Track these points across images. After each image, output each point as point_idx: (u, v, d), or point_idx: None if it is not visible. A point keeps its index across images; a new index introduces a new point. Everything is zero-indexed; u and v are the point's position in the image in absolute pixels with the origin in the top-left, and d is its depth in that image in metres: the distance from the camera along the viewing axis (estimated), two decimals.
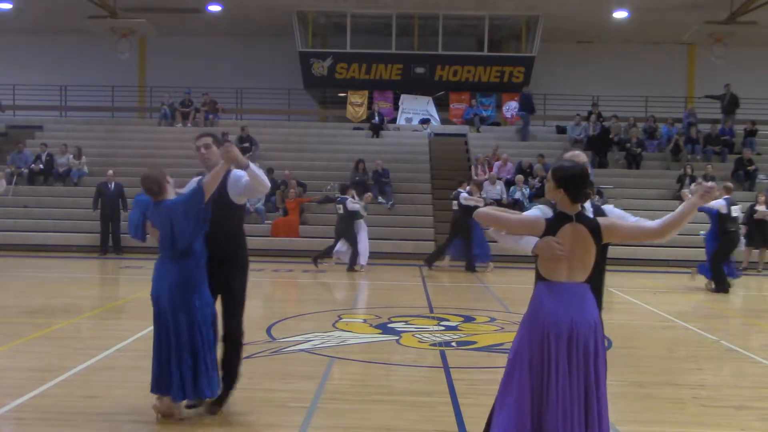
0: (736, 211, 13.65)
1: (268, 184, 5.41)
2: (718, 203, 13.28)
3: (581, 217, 4.03)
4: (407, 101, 25.84)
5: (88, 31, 24.56)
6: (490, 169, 20.90)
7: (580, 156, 4.51)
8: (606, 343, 8.51)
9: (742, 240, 17.94)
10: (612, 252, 16.33)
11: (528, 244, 4.01)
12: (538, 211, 4.07)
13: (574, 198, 4.00)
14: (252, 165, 5.30)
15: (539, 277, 4.10)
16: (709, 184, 4.16)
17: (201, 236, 5.30)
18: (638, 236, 4.27)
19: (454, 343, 8.32)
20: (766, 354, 8.17)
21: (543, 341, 3.95)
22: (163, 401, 5.31)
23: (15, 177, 20.88)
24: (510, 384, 3.99)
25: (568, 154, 4.49)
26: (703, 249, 18.77)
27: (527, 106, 24.18)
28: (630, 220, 4.48)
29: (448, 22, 25.70)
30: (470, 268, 16.13)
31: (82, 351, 7.45)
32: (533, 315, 4.05)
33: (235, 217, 5.55)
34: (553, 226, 3.97)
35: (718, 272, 13.65)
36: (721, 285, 13.61)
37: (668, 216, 4.15)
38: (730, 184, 14.46)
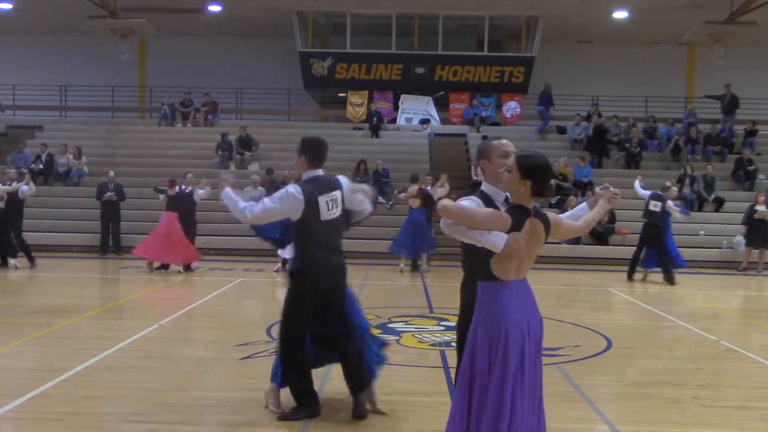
0: (655, 207, 14.96)
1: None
2: (644, 193, 15.23)
3: (537, 212, 3.86)
4: (407, 101, 25.84)
5: (88, 31, 24.56)
6: None
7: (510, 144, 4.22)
8: (606, 344, 8.52)
9: (742, 240, 17.98)
10: (612, 252, 16.36)
11: (497, 240, 3.69)
12: (473, 203, 3.89)
13: (540, 191, 3.79)
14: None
15: (488, 276, 3.81)
16: (613, 189, 4.37)
17: None
18: (568, 234, 4.21)
19: (454, 343, 8.30)
20: (766, 354, 8.17)
21: (509, 346, 3.72)
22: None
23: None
24: (501, 402, 3.70)
25: (496, 142, 4.22)
26: (700, 249, 18.86)
27: (546, 100, 24.28)
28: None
29: (448, 22, 25.70)
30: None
31: (82, 351, 7.44)
32: (491, 320, 3.76)
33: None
34: (516, 221, 3.73)
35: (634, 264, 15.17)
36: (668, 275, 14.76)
37: (589, 215, 4.29)
38: (668, 184, 15.90)
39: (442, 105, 25.99)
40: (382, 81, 26.01)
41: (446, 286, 13.89)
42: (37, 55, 27.55)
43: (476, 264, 3.88)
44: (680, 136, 22.93)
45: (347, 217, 5.83)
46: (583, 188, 20.22)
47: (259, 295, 13.22)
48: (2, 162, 21.90)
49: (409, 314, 10.25)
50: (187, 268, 14.90)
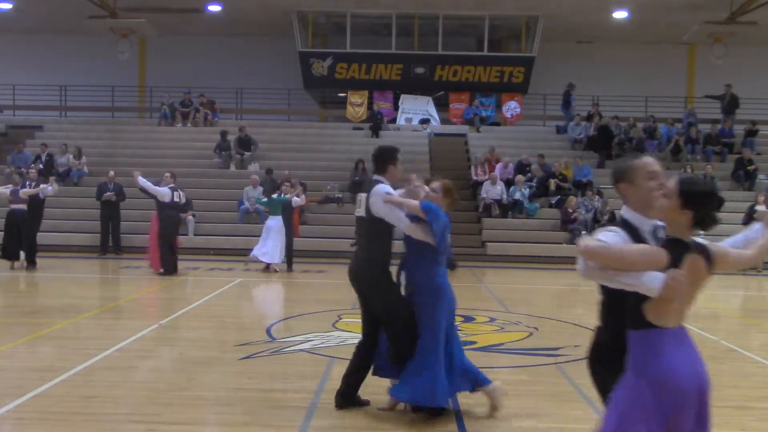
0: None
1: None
2: None
3: (697, 246, 3.24)
4: (407, 101, 25.84)
5: (88, 31, 24.57)
6: (491, 169, 20.90)
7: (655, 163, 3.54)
8: None
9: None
10: None
11: (652, 282, 3.06)
12: (617, 236, 3.21)
13: (702, 223, 3.23)
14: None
15: (642, 324, 3.15)
16: None
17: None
18: (736, 267, 3.57)
19: None
20: (766, 354, 8.17)
21: (673, 407, 3.19)
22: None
23: (14, 177, 20.87)
24: None
25: (639, 162, 3.50)
26: None
27: (565, 101, 24.35)
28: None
29: (448, 22, 25.71)
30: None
31: (82, 351, 7.44)
32: (654, 373, 3.14)
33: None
34: (674, 258, 3.11)
35: None
36: None
37: (757, 245, 3.57)
38: None
39: (442, 105, 25.99)
40: (382, 81, 26.02)
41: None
42: (37, 55, 27.55)
43: (616, 308, 3.27)
44: (680, 136, 22.93)
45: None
46: (582, 188, 20.22)
47: (259, 295, 13.23)
48: (2, 162, 21.92)
49: None
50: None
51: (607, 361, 3.37)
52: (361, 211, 5.67)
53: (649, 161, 3.49)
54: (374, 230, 5.58)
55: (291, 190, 15.70)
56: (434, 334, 5.40)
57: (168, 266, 14.15)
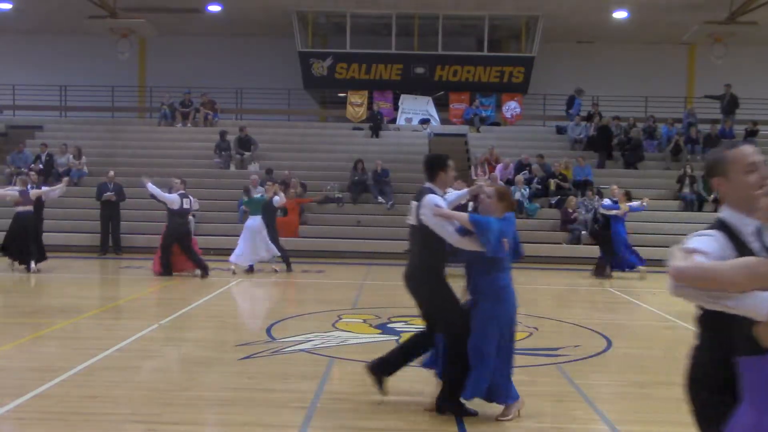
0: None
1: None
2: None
3: None
4: (407, 101, 25.83)
5: (88, 31, 24.56)
6: (491, 169, 20.90)
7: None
8: (606, 344, 8.52)
9: None
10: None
11: (761, 305, 2.55)
12: (713, 242, 2.77)
13: None
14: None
15: (754, 349, 2.63)
16: None
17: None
18: None
19: None
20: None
21: None
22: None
23: (15, 177, 20.90)
24: None
25: (736, 152, 2.97)
26: None
27: (569, 104, 24.37)
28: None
29: (448, 22, 25.70)
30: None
31: (82, 351, 7.44)
32: None
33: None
34: None
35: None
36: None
37: None
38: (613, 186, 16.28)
39: (442, 105, 25.98)
40: (382, 81, 26.01)
41: None
42: (37, 55, 27.54)
43: (720, 330, 2.81)
44: (680, 136, 22.93)
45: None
46: (582, 188, 20.22)
47: (259, 295, 13.23)
48: (2, 162, 21.92)
49: (409, 314, 10.24)
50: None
51: (708, 386, 2.92)
52: (412, 220, 5.79)
53: (747, 151, 2.95)
54: (426, 238, 5.64)
55: (271, 189, 15.41)
56: (485, 334, 5.46)
57: (167, 269, 14.11)
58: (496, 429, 5.41)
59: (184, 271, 14.28)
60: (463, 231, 5.53)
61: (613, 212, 15.18)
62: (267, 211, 15.04)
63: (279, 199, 15.36)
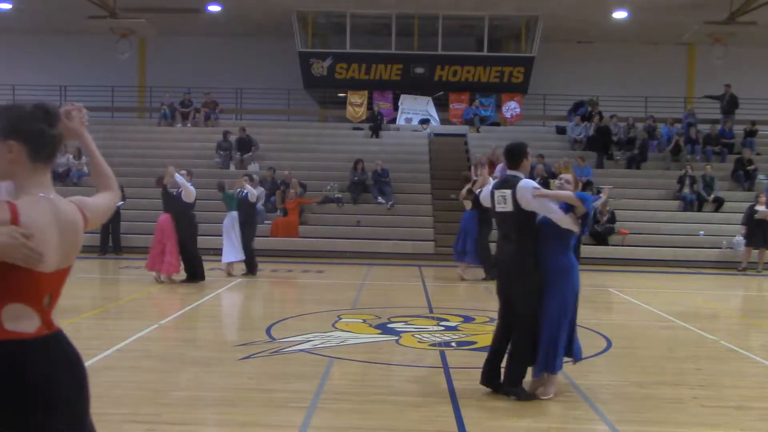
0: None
1: None
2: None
3: None
4: (407, 101, 25.84)
5: (88, 31, 24.56)
6: (492, 170, 20.86)
7: None
8: (606, 344, 8.52)
9: (742, 240, 17.98)
10: (612, 252, 16.39)
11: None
12: None
13: None
14: None
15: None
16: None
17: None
18: None
19: (453, 344, 8.31)
20: (766, 354, 8.17)
21: None
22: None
23: None
24: None
25: None
26: (700, 249, 18.86)
27: (573, 110, 24.37)
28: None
29: (447, 22, 25.70)
30: None
31: (82, 351, 7.40)
32: None
33: None
34: None
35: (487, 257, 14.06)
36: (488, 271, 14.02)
37: None
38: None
39: (441, 105, 25.99)
40: (381, 81, 26.01)
41: (446, 287, 13.91)
42: (37, 55, 27.54)
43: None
44: (680, 136, 22.93)
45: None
46: (582, 188, 20.20)
47: (259, 295, 13.22)
48: None
49: (409, 314, 10.25)
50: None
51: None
52: (507, 207, 5.96)
53: None
54: (524, 224, 5.92)
55: (238, 183, 14.68)
56: (566, 311, 5.90)
57: (198, 270, 13.45)
58: (496, 428, 5.41)
59: (165, 273, 13.22)
60: (566, 208, 5.88)
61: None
62: (242, 207, 14.34)
63: (255, 193, 14.52)
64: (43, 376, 2.48)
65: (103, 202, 2.96)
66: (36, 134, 2.59)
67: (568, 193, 5.93)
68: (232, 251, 14.19)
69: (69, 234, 2.59)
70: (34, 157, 2.61)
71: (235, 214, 14.34)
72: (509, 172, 6.09)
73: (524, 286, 5.93)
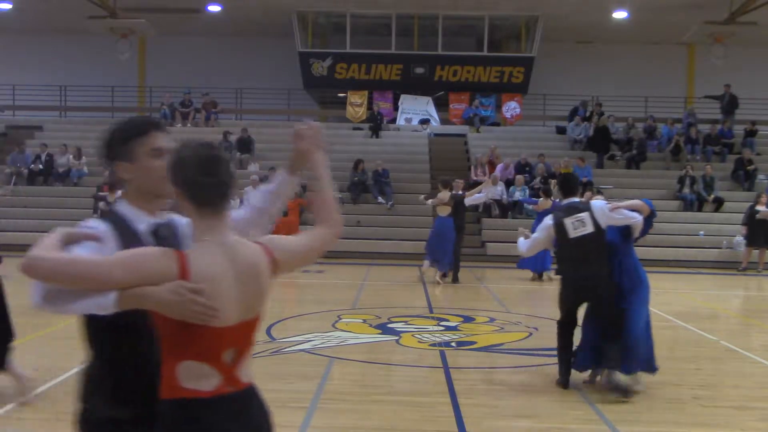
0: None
1: None
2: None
3: None
4: (407, 101, 25.83)
5: (88, 31, 24.55)
6: (491, 170, 20.89)
7: None
8: None
9: (742, 240, 17.98)
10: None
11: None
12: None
13: None
14: None
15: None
16: None
17: None
18: None
19: (453, 344, 8.32)
20: (766, 354, 8.17)
21: None
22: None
23: (14, 177, 20.93)
24: None
25: None
26: (700, 249, 18.87)
27: (572, 114, 24.37)
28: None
29: (447, 23, 25.69)
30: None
31: (82, 351, 7.43)
32: None
33: None
34: None
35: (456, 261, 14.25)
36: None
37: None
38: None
39: (441, 105, 25.98)
40: (381, 81, 26.01)
41: (446, 287, 13.90)
42: (37, 55, 27.52)
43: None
44: (680, 136, 22.93)
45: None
46: (583, 188, 20.20)
47: None
48: (2, 162, 21.92)
49: (409, 314, 10.25)
50: None
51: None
52: (587, 229, 6.40)
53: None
54: (603, 243, 6.41)
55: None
56: (647, 311, 6.45)
57: None
58: (496, 428, 5.41)
59: None
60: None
61: (530, 207, 14.62)
62: None
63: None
64: None
65: (306, 241, 2.58)
66: (190, 182, 2.30)
67: (636, 202, 6.59)
68: None
69: (250, 282, 2.30)
70: (196, 204, 2.31)
71: None
72: (567, 201, 6.66)
73: (611, 298, 6.36)
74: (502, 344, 8.41)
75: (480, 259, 18.27)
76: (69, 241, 2.26)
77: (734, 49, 23.46)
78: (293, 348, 7.85)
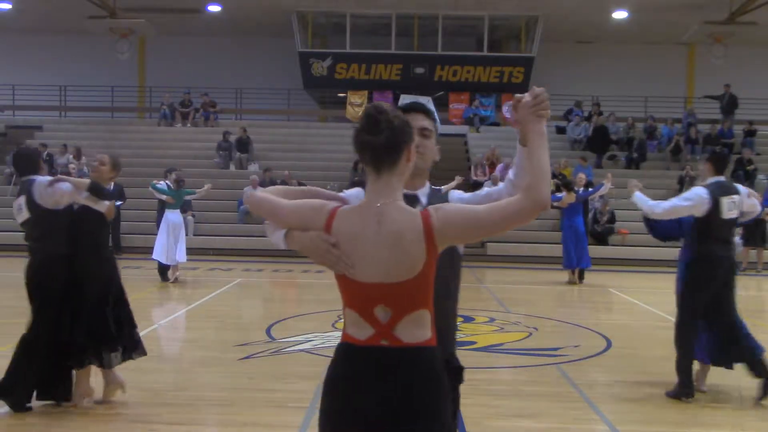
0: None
1: None
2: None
3: None
4: (407, 101, 25.80)
5: (88, 31, 24.55)
6: (491, 170, 20.89)
7: None
8: (606, 344, 8.52)
9: (740, 240, 17.97)
10: (612, 252, 16.33)
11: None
12: None
13: None
14: None
15: None
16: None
17: None
18: None
19: None
20: (765, 354, 8.15)
21: None
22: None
23: (14, 177, 20.91)
24: None
25: None
26: None
27: (567, 115, 24.38)
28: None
29: (447, 22, 25.70)
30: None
31: None
32: None
33: None
34: None
35: None
36: None
37: None
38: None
39: (441, 105, 25.95)
40: (381, 81, 26.01)
41: None
42: (37, 55, 27.51)
43: None
44: (680, 136, 22.93)
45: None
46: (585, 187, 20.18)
47: (259, 295, 13.22)
48: (2, 162, 21.92)
49: None
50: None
51: None
52: (736, 213, 6.29)
53: None
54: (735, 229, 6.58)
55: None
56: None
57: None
58: (496, 428, 5.41)
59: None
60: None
61: (555, 204, 14.35)
62: (184, 206, 14.05)
63: (195, 194, 14.38)
64: (364, 384, 2.41)
65: (485, 210, 2.43)
66: (356, 143, 2.51)
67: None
68: (163, 253, 13.40)
69: (393, 245, 2.39)
70: (363, 164, 2.55)
71: (178, 212, 13.75)
72: (715, 179, 6.32)
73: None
74: (502, 344, 8.41)
75: (480, 259, 18.27)
76: (313, 195, 2.68)
77: (734, 49, 23.46)
78: (293, 348, 7.85)
